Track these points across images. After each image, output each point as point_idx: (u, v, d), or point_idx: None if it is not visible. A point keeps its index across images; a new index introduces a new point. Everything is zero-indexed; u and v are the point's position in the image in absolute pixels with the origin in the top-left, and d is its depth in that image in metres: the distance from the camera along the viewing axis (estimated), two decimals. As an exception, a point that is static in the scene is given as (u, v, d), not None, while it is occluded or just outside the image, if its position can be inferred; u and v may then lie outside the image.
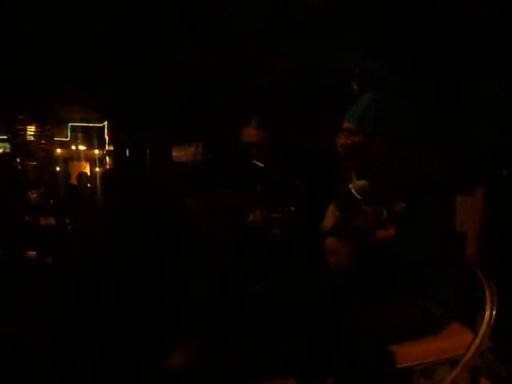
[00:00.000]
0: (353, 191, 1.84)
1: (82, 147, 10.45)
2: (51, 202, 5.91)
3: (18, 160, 7.57)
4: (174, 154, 5.85)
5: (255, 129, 2.54)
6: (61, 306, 2.84)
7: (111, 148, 9.32)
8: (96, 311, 2.72)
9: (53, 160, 9.08)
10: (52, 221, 4.83)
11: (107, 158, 9.99)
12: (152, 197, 4.46)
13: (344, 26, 3.19)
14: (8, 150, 7.85)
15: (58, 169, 8.65)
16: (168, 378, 2.10)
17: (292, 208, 2.22)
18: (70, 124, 10.19)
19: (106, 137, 9.92)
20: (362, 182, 1.82)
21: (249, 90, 4.28)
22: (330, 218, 2.01)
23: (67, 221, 5.13)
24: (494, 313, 1.62)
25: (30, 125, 8.45)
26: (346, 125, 1.79)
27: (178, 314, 2.32)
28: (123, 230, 3.87)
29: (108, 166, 9.69)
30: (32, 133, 8.47)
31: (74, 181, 7.58)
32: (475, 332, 1.63)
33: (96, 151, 10.45)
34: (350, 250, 1.72)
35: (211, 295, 2.19)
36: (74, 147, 10.40)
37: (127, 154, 6.36)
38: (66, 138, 10.29)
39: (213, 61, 4.41)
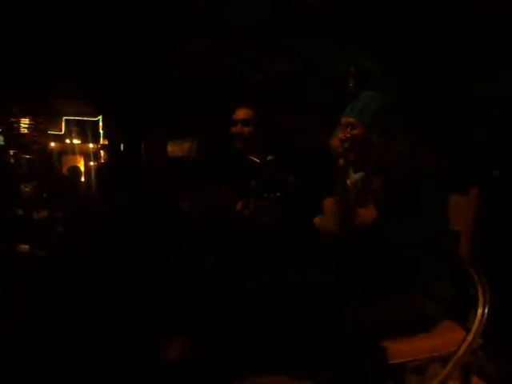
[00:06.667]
0: (349, 185, 1.86)
1: (76, 141, 10.39)
2: (44, 195, 5.87)
3: (12, 153, 7.50)
4: (169, 149, 5.83)
5: (246, 108, 2.54)
6: (55, 301, 2.83)
7: (106, 142, 9.29)
8: (90, 306, 2.72)
9: (47, 153, 9.02)
10: (45, 214, 4.81)
11: (102, 152, 9.95)
12: (147, 192, 4.45)
13: (343, 22, 3.20)
14: (1, 142, 7.77)
15: (51, 162, 8.60)
16: (164, 372, 2.10)
17: (278, 194, 2.21)
18: (64, 117, 10.14)
19: (101, 131, 9.88)
20: (357, 176, 1.85)
21: (246, 86, 4.28)
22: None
23: (59, 215, 5.10)
24: (486, 311, 1.63)
25: (24, 118, 8.38)
26: (345, 119, 1.83)
27: (174, 311, 2.32)
28: (118, 225, 3.86)
29: (102, 161, 9.65)
30: (26, 126, 8.40)
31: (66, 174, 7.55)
32: (467, 330, 1.64)
33: (90, 145, 10.39)
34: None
35: (205, 293, 2.19)
36: (68, 141, 10.34)
37: (122, 148, 6.33)
38: (61, 131, 10.24)
39: (210, 56, 4.40)
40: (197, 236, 2.44)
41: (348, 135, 1.80)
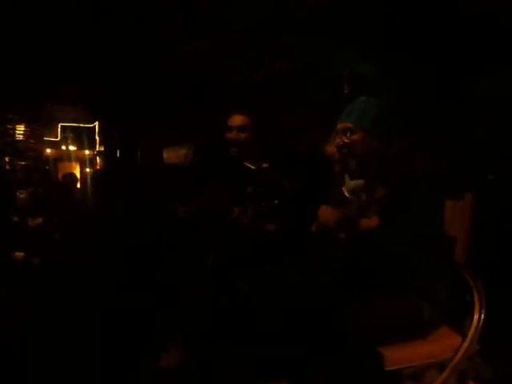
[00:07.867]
0: (345, 193, 1.82)
1: (72, 147, 10.39)
2: (40, 202, 5.85)
3: (7, 160, 7.50)
4: (165, 155, 5.83)
5: (241, 114, 2.52)
6: (54, 302, 2.81)
7: (102, 148, 9.29)
8: (90, 307, 2.70)
9: (42, 160, 9.02)
10: (40, 221, 4.77)
11: (98, 159, 9.95)
12: (144, 195, 4.43)
13: (343, 22, 3.20)
14: (-3, 149, 7.79)
15: (47, 169, 8.57)
16: (164, 372, 2.08)
17: (276, 201, 2.19)
18: (60, 124, 10.15)
19: (97, 137, 9.89)
20: (354, 183, 1.80)
21: (246, 86, 4.28)
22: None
23: (55, 221, 5.07)
24: (482, 316, 1.65)
25: (20, 124, 8.40)
26: (343, 125, 1.78)
27: (173, 311, 2.29)
28: (115, 230, 3.83)
29: (98, 167, 9.65)
30: (21, 132, 8.42)
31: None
32: (463, 336, 1.64)
33: (86, 152, 10.40)
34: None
35: (205, 293, 2.16)
36: (64, 147, 10.35)
37: (118, 154, 6.33)
38: (56, 138, 10.25)
39: (210, 56, 4.42)
40: (195, 236, 2.42)
41: (347, 141, 1.75)
